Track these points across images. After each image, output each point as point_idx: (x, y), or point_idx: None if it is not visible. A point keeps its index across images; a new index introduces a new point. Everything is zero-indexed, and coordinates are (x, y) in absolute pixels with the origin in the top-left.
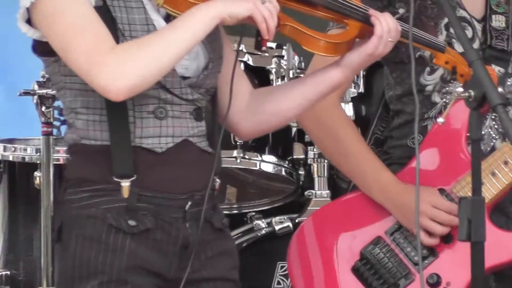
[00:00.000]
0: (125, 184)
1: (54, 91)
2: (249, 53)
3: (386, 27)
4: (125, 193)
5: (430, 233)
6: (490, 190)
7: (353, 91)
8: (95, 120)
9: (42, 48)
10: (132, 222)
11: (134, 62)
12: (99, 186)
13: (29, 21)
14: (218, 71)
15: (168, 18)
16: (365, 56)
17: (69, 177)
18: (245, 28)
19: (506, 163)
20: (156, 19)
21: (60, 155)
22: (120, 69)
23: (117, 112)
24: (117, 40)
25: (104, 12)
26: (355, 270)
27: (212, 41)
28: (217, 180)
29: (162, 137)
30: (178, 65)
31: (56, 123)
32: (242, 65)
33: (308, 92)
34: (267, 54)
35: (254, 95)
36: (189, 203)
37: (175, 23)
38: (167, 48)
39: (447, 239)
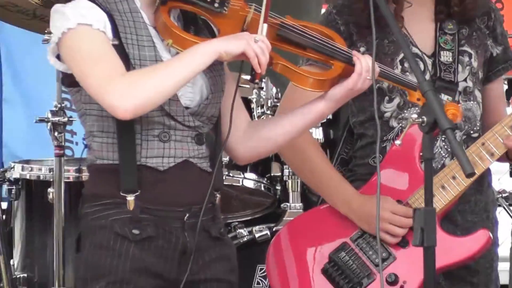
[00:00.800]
0: (131, 198)
1: (65, 119)
2: None
3: (365, 66)
4: (130, 206)
5: (390, 236)
6: (441, 201)
7: None
8: (108, 142)
9: (68, 80)
10: (135, 231)
11: (141, 85)
12: (109, 200)
13: (58, 56)
14: (218, 102)
15: None
16: (347, 91)
17: (86, 193)
18: (243, 66)
19: (454, 178)
20: (166, 57)
21: (70, 173)
22: (128, 90)
23: (126, 135)
24: (128, 69)
25: (119, 49)
26: (325, 272)
27: (215, 76)
28: (217, 195)
29: (165, 157)
30: (184, 97)
31: (69, 145)
32: None
33: (296, 121)
34: (257, 85)
35: (251, 124)
36: (187, 214)
37: (179, 56)
38: (171, 75)
39: (403, 243)
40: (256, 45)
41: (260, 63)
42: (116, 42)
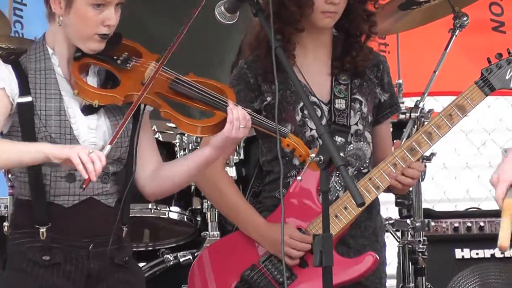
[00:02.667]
0: (42, 229)
1: None
2: (159, 132)
3: (236, 116)
4: (42, 236)
5: (290, 258)
6: (335, 228)
7: (235, 158)
8: (24, 181)
9: None
10: (46, 257)
11: None
12: (25, 230)
13: None
14: (122, 146)
15: (85, 106)
16: (224, 139)
17: (10, 223)
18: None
19: (345, 208)
20: (72, 106)
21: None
22: None
23: (36, 176)
24: (33, 120)
25: (29, 103)
26: None
27: (117, 123)
28: (124, 228)
29: (70, 195)
30: (87, 142)
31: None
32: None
33: (189, 164)
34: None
35: (159, 166)
36: (92, 245)
37: (24, 144)
38: (6, 154)
39: (303, 264)
40: (84, 155)
41: (87, 170)
42: (28, 99)
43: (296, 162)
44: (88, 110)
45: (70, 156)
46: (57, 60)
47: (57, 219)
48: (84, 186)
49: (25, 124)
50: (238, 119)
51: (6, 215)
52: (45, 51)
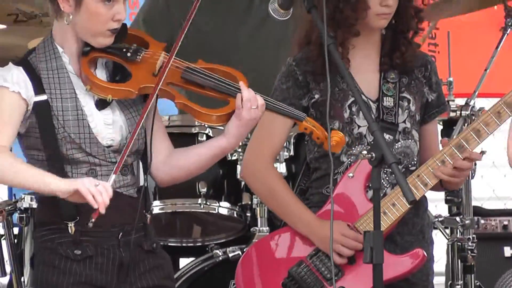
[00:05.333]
0: (71, 224)
1: None
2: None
3: (246, 96)
4: (71, 231)
5: (340, 255)
6: (382, 225)
7: (285, 154)
8: None
9: None
10: (77, 252)
11: None
12: (53, 226)
13: None
14: (139, 138)
15: (98, 100)
16: (236, 124)
17: (36, 221)
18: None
19: (393, 205)
20: (88, 102)
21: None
22: None
23: (60, 174)
24: (51, 121)
25: (45, 103)
26: (284, 285)
27: (132, 117)
28: (148, 215)
29: None
30: (106, 138)
31: None
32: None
33: (202, 153)
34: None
35: (172, 153)
36: (121, 233)
37: (33, 171)
38: (11, 177)
39: (351, 261)
40: (92, 187)
41: (97, 200)
42: (44, 97)
43: (344, 159)
44: (101, 104)
45: (79, 188)
46: (67, 58)
47: (85, 213)
48: (93, 220)
49: (43, 125)
50: (249, 99)
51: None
52: (54, 50)
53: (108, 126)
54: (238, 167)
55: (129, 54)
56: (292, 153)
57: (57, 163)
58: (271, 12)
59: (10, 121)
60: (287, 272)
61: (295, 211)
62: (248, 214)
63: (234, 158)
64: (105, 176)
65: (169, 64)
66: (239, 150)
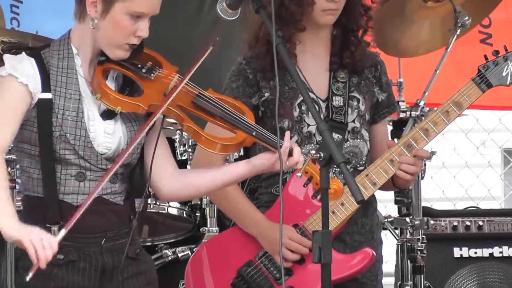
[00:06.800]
0: (54, 228)
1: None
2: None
3: (292, 161)
4: (54, 235)
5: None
6: (331, 224)
7: (235, 154)
8: (33, 177)
9: None
10: (60, 256)
11: None
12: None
13: None
14: (134, 152)
15: (106, 111)
16: (268, 166)
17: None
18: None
19: (342, 204)
20: (91, 108)
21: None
22: None
23: (49, 174)
24: (51, 118)
25: (48, 100)
26: (233, 285)
27: (133, 131)
28: (134, 222)
29: (79, 194)
30: (102, 146)
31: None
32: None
33: (217, 177)
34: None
35: (181, 170)
36: (104, 239)
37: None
38: None
39: (300, 261)
40: (37, 241)
41: (38, 255)
42: (48, 96)
43: None
44: (108, 115)
45: (22, 239)
46: (80, 60)
47: (68, 217)
48: (30, 274)
49: (42, 121)
50: (285, 154)
51: None
52: (69, 50)
53: (107, 135)
54: (188, 167)
55: (143, 71)
56: (241, 153)
57: (48, 161)
58: (219, 11)
59: (13, 117)
60: (236, 272)
61: (244, 211)
62: (198, 214)
63: (184, 158)
64: (93, 182)
65: (180, 87)
66: (189, 150)
